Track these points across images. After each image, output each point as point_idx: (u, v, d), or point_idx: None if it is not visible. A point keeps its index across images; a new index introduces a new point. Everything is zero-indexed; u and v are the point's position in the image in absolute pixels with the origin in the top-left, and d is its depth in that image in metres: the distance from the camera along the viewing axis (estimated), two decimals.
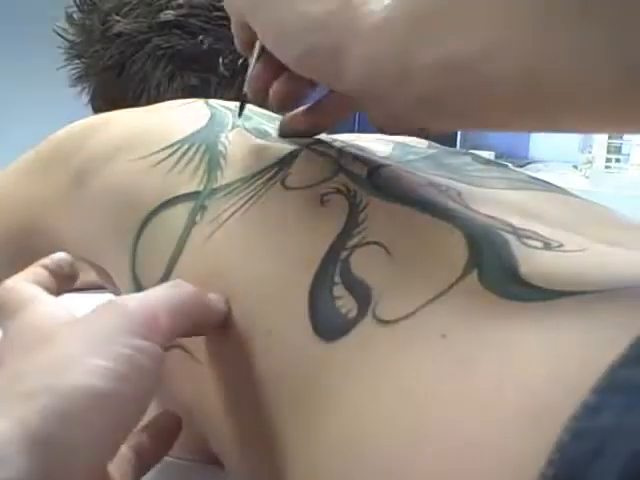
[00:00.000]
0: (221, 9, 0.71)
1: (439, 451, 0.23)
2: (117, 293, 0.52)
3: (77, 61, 0.75)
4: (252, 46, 0.39)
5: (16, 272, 0.58)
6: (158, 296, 0.30)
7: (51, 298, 0.32)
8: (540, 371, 0.23)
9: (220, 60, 0.73)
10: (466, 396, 0.24)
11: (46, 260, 0.36)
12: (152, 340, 0.28)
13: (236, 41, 0.40)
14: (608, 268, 0.28)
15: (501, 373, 0.23)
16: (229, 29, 0.42)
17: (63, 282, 0.36)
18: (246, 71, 0.42)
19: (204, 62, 0.73)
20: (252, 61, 0.40)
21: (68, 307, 0.31)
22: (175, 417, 0.35)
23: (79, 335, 0.28)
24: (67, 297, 0.77)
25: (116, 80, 0.66)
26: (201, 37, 0.72)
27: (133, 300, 0.29)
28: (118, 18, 0.72)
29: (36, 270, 0.35)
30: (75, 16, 0.74)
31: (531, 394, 0.22)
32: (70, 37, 0.75)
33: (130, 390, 0.26)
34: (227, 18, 0.42)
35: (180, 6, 0.72)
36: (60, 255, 0.36)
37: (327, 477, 0.27)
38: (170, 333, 0.29)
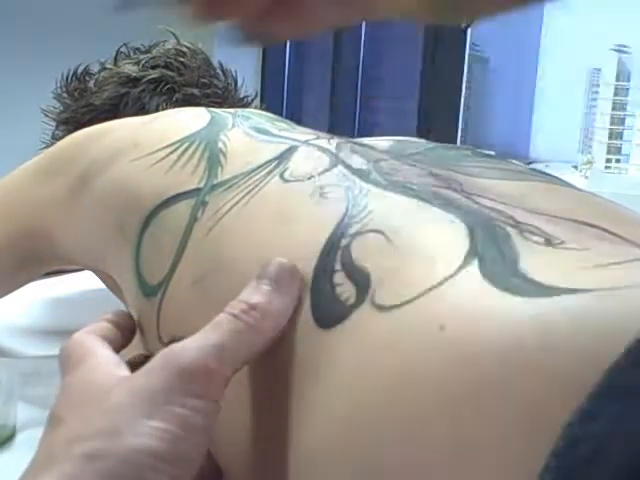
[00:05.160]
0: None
1: (437, 452, 0.23)
2: (119, 295, 0.52)
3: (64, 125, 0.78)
4: None
5: (17, 278, 0.59)
6: (209, 345, 0.29)
7: (108, 353, 0.32)
8: (539, 373, 0.23)
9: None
10: (464, 396, 0.24)
11: (110, 315, 0.36)
12: (206, 397, 0.28)
13: None
14: (608, 267, 0.28)
15: (499, 374, 0.23)
16: None
17: (126, 334, 0.36)
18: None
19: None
20: None
21: (121, 362, 0.32)
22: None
23: (134, 395, 0.28)
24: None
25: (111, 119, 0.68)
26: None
27: (186, 354, 0.28)
28: (110, 66, 0.77)
29: (102, 325, 0.35)
30: (65, 95, 0.77)
31: (531, 397, 0.22)
32: (59, 113, 0.78)
33: (185, 450, 0.26)
34: None
35: (167, 50, 0.77)
36: (121, 310, 0.37)
37: (325, 470, 0.27)
38: (225, 382, 0.29)
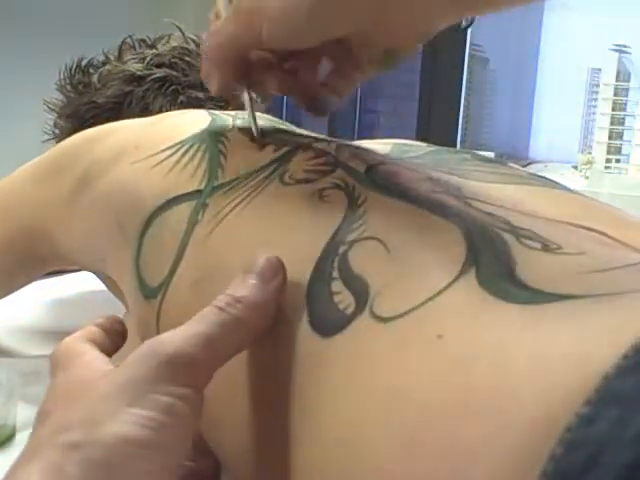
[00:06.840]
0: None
1: (436, 459, 0.23)
2: (119, 296, 0.52)
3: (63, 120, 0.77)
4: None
5: (17, 278, 0.59)
6: (194, 335, 0.29)
7: (96, 353, 0.32)
8: (536, 379, 0.23)
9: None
10: (463, 403, 0.24)
11: (100, 320, 0.36)
12: (192, 386, 0.28)
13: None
14: (606, 272, 0.28)
15: (497, 380, 0.23)
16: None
17: (116, 339, 0.36)
18: None
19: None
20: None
21: (109, 361, 0.32)
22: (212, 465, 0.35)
23: (117, 384, 0.28)
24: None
25: (114, 118, 0.67)
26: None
27: (171, 343, 0.28)
28: (116, 63, 0.75)
29: (91, 329, 0.35)
30: (68, 87, 0.76)
31: (527, 403, 0.22)
32: (62, 107, 0.77)
33: (170, 438, 0.26)
34: None
35: (174, 48, 0.76)
36: (112, 315, 0.37)
37: (326, 473, 0.27)
38: (211, 372, 0.29)
